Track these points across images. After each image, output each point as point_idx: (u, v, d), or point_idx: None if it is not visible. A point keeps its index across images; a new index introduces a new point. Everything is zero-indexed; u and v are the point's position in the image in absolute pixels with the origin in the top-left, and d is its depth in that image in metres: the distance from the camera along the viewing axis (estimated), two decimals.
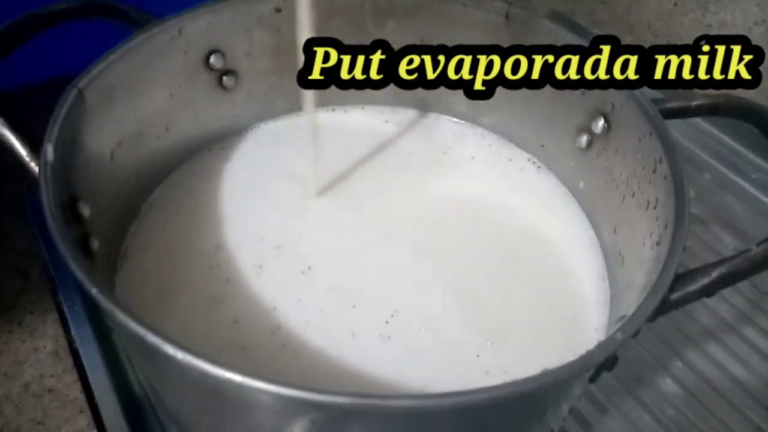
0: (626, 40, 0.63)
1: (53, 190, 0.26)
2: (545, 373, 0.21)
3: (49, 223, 0.24)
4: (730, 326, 0.43)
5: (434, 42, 0.41)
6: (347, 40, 0.42)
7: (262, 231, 0.36)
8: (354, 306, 0.33)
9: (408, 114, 0.45)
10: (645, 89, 0.33)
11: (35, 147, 0.28)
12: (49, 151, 0.27)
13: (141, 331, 0.21)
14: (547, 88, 0.39)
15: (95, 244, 0.30)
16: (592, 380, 0.27)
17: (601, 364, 0.26)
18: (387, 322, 0.32)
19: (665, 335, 0.41)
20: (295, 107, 0.44)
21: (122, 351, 0.38)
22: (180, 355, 0.21)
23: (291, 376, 0.29)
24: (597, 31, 0.64)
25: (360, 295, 0.34)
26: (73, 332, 0.40)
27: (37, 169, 0.28)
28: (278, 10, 0.39)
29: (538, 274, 0.36)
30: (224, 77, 0.40)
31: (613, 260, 0.35)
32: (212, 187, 0.39)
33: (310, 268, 0.35)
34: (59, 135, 0.28)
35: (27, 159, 0.28)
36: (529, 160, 0.42)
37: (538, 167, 0.42)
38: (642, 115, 0.32)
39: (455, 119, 0.45)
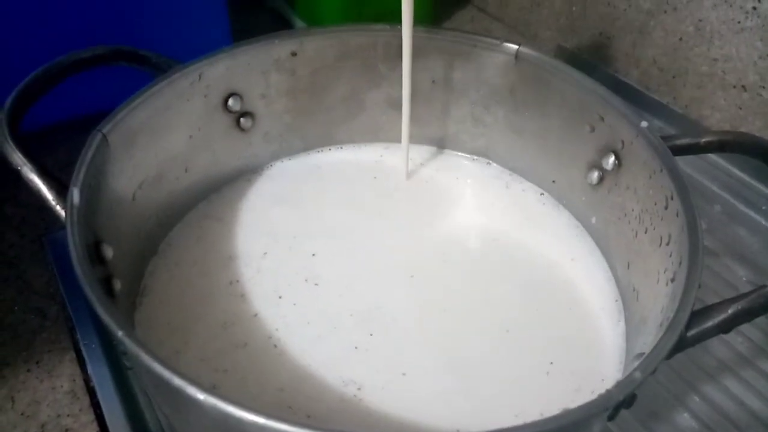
0: (632, 74, 0.64)
1: (79, 234, 0.26)
2: (565, 413, 0.21)
3: (75, 266, 0.25)
4: (747, 360, 0.42)
5: (444, 82, 0.42)
6: (359, 81, 0.43)
7: (277, 268, 0.37)
8: (367, 350, 0.33)
9: (422, 150, 0.46)
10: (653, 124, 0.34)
11: (61, 192, 0.29)
12: (75, 195, 0.28)
13: (166, 374, 0.21)
14: (557, 124, 0.40)
15: (117, 285, 0.31)
16: (610, 418, 0.27)
17: (620, 402, 0.26)
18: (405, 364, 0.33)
19: (682, 370, 0.41)
20: (310, 146, 0.45)
21: (141, 390, 0.38)
22: (201, 396, 0.21)
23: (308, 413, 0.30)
24: (603, 67, 0.65)
25: (375, 336, 0.34)
26: (90, 371, 0.40)
27: (63, 213, 0.28)
28: (294, 54, 0.40)
29: (553, 311, 0.36)
30: (242, 119, 0.41)
31: (627, 295, 0.35)
32: (228, 225, 0.39)
33: (326, 305, 0.35)
34: (84, 179, 0.29)
35: (53, 203, 0.29)
36: (541, 194, 0.43)
37: (551, 202, 0.42)
38: (652, 152, 0.33)
39: (468, 155, 0.45)
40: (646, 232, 0.34)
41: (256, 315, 0.34)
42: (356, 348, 0.33)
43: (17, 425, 0.37)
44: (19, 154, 0.29)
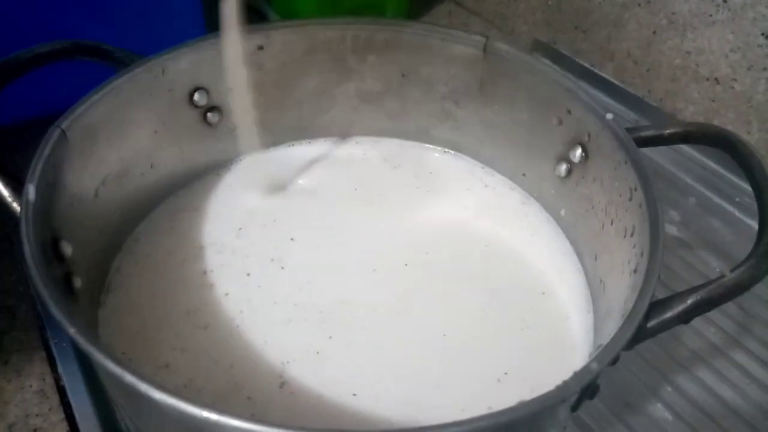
0: (607, 67, 0.64)
1: (34, 231, 0.26)
2: (521, 405, 0.21)
3: (28, 263, 0.25)
4: (719, 350, 0.43)
5: (414, 76, 0.42)
6: (329, 75, 0.42)
7: (245, 264, 0.37)
8: (331, 338, 0.33)
9: (393, 144, 0.45)
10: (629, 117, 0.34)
11: (17, 188, 0.28)
12: (31, 191, 0.27)
13: (118, 370, 0.21)
14: (526, 118, 0.39)
15: (78, 282, 0.30)
16: (574, 409, 0.27)
17: (581, 393, 0.26)
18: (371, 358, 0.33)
19: (653, 360, 0.41)
20: (278, 140, 0.45)
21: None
22: (157, 395, 0.21)
23: (274, 413, 0.29)
24: (579, 60, 0.65)
25: (344, 330, 0.34)
26: (60, 370, 0.40)
27: (18, 209, 0.28)
28: (261, 48, 0.40)
29: (523, 303, 0.36)
30: (208, 113, 0.40)
31: (595, 288, 0.36)
32: (196, 220, 0.39)
33: (295, 304, 0.35)
34: (41, 175, 0.28)
35: (9, 200, 0.28)
36: (512, 188, 0.43)
37: (522, 195, 0.42)
38: (617, 144, 0.33)
39: (439, 148, 0.45)
40: (612, 224, 0.34)
41: (220, 301, 0.34)
42: (313, 337, 0.33)
43: None
44: None
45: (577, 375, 0.22)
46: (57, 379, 0.39)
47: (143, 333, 0.33)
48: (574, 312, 0.35)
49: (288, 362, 0.32)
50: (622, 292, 0.30)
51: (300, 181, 0.43)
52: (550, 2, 0.68)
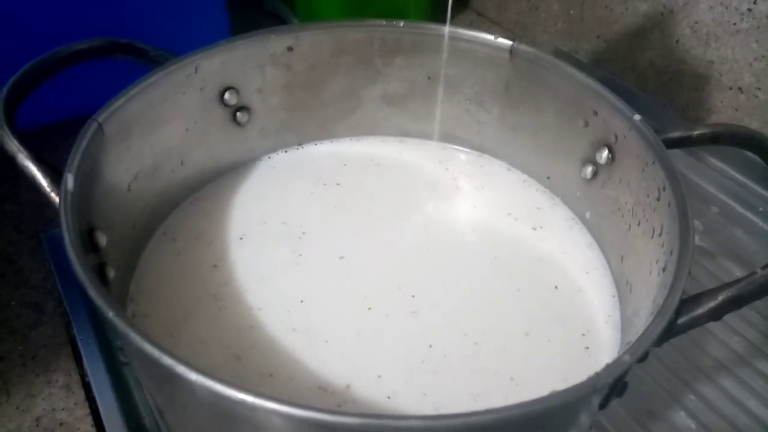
0: (629, 77, 0.65)
1: (73, 219, 0.27)
2: (553, 395, 0.21)
3: (68, 250, 0.25)
4: (743, 359, 0.42)
5: (440, 78, 0.43)
6: (356, 76, 0.43)
7: (262, 259, 0.37)
8: (358, 334, 0.34)
9: (418, 144, 0.46)
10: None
11: (56, 179, 0.29)
12: (70, 180, 0.28)
13: (155, 353, 0.22)
14: (551, 120, 0.40)
15: (111, 273, 0.31)
16: (602, 406, 0.27)
17: (611, 388, 0.26)
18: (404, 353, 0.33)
19: (676, 368, 0.41)
20: (304, 140, 0.45)
21: (136, 385, 0.39)
22: (193, 376, 0.21)
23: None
24: (601, 70, 0.65)
25: (371, 329, 0.34)
26: (85, 366, 0.40)
27: (57, 199, 0.28)
28: (290, 49, 0.40)
29: (549, 304, 0.36)
30: (238, 113, 0.41)
31: (622, 288, 0.35)
32: (222, 215, 0.40)
33: (306, 300, 0.35)
34: (79, 166, 0.29)
35: (48, 190, 0.29)
36: (537, 190, 0.43)
37: (547, 197, 0.42)
38: (645, 145, 0.33)
39: (464, 149, 0.46)
40: (639, 225, 0.34)
41: (243, 290, 0.35)
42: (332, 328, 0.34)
43: (12, 419, 0.37)
44: (15, 142, 0.30)
45: (609, 366, 0.23)
46: (82, 375, 0.40)
47: (170, 325, 0.34)
48: (601, 313, 0.35)
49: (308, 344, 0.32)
50: (650, 291, 0.30)
51: (324, 179, 0.43)
52: (571, 12, 0.68)
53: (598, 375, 0.22)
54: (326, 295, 0.35)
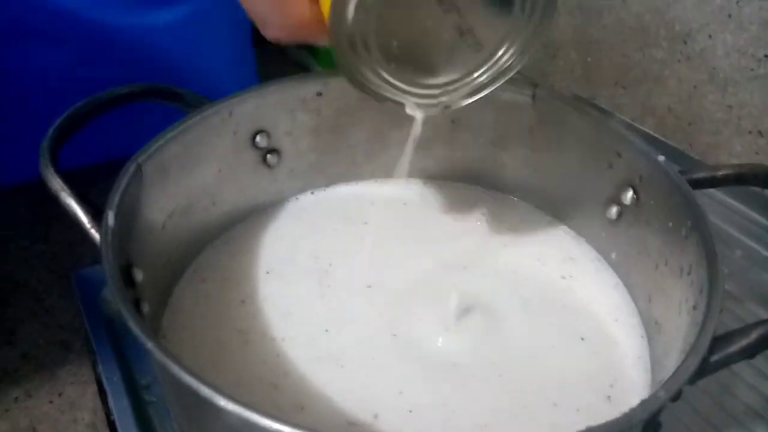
0: (648, 122, 0.65)
1: (114, 254, 0.27)
2: (590, 429, 0.21)
3: (109, 283, 0.26)
4: None
5: (464, 122, 0.44)
6: (382, 122, 0.44)
7: (291, 298, 0.38)
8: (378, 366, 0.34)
9: (443, 186, 0.47)
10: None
11: (96, 216, 0.30)
12: (111, 217, 0.29)
13: (193, 383, 0.22)
14: (575, 162, 0.40)
15: (146, 307, 0.31)
16: None
17: (645, 427, 0.25)
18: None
19: (708, 413, 0.40)
20: (332, 182, 0.46)
21: (159, 419, 0.39)
22: (231, 406, 0.21)
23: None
24: (620, 115, 0.66)
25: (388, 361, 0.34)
26: (111, 405, 0.40)
27: (97, 236, 0.29)
28: (319, 94, 0.42)
29: (576, 346, 0.36)
30: (268, 155, 0.42)
31: (650, 328, 0.35)
32: (250, 254, 0.41)
33: (331, 329, 0.36)
34: (119, 204, 0.30)
35: (88, 226, 0.30)
36: (561, 231, 0.43)
37: (571, 238, 0.43)
38: (670, 185, 0.34)
39: (487, 190, 0.46)
40: (666, 264, 0.34)
41: (271, 325, 0.36)
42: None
43: None
44: (59, 180, 0.31)
45: (644, 402, 0.22)
46: (108, 414, 0.40)
47: (200, 359, 0.34)
48: (630, 354, 0.35)
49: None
50: (681, 330, 0.30)
51: (351, 219, 0.44)
52: (589, 59, 0.70)
53: (633, 411, 0.22)
54: (351, 324, 0.36)
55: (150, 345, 0.23)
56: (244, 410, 0.21)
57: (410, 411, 0.31)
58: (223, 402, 0.21)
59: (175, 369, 0.22)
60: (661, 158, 0.35)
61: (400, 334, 0.36)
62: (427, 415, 0.31)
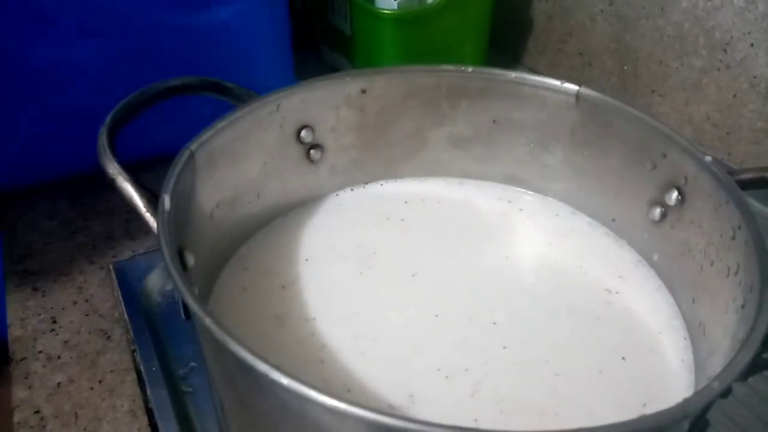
0: (686, 130, 0.65)
1: (171, 236, 0.28)
2: (643, 418, 0.21)
3: (167, 263, 0.26)
4: None
5: (505, 122, 0.44)
6: (423, 119, 0.45)
7: (326, 292, 0.38)
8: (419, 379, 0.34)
9: (482, 186, 0.47)
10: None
11: (152, 201, 0.31)
12: (167, 201, 0.30)
13: (250, 358, 0.22)
14: (617, 163, 0.40)
15: (195, 291, 0.32)
16: None
17: (692, 424, 0.25)
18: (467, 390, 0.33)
19: (759, 411, 0.40)
20: (371, 179, 0.47)
21: (196, 409, 0.39)
22: (285, 380, 0.21)
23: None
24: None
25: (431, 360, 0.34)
26: (149, 393, 0.41)
27: (152, 219, 0.30)
28: (363, 91, 0.42)
29: (620, 351, 0.35)
30: (312, 150, 0.43)
31: (694, 331, 0.35)
32: (291, 246, 0.41)
33: (376, 337, 0.36)
34: (174, 188, 0.31)
35: (143, 210, 0.31)
36: (602, 233, 0.43)
37: (612, 240, 0.42)
38: (717, 185, 0.33)
39: (526, 191, 0.46)
40: (712, 265, 0.34)
41: (306, 312, 0.36)
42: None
43: None
44: (116, 165, 0.32)
45: (699, 392, 0.22)
46: (146, 401, 0.41)
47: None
48: (673, 356, 0.35)
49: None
50: (728, 330, 0.30)
51: (389, 215, 0.44)
52: (625, 67, 0.70)
53: (688, 401, 0.22)
54: (391, 309, 0.36)
55: (208, 321, 0.23)
56: (300, 386, 0.21)
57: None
58: (280, 378, 0.22)
59: (233, 345, 0.23)
60: (708, 158, 0.34)
61: (443, 316, 0.36)
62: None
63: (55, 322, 0.47)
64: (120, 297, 0.48)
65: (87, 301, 0.49)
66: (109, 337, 0.46)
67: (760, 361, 0.25)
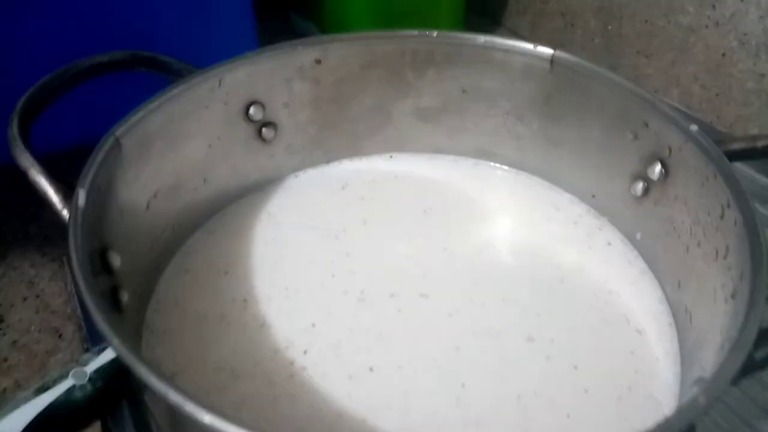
0: (672, 93, 0.62)
1: (83, 237, 0.25)
2: None
3: (74, 270, 0.23)
4: None
5: (476, 92, 0.40)
6: (386, 90, 0.41)
7: (290, 284, 0.35)
8: (374, 368, 0.31)
9: (454, 161, 0.44)
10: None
11: (69, 195, 0.28)
12: (81, 196, 0.26)
13: (162, 388, 0.19)
14: (597, 133, 0.37)
15: (125, 297, 0.29)
16: None
17: None
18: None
19: (739, 408, 0.37)
20: (332, 158, 0.43)
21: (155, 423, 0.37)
22: (207, 417, 0.18)
23: None
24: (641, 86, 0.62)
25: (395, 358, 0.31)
26: None
27: (68, 215, 0.27)
28: (318, 62, 0.39)
29: (596, 334, 0.33)
30: (264, 129, 0.39)
31: (679, 317, 0.32)
32: (245, 237, 0.38)
33: (349, 329, 0.33)
34: (92, 181, 0.27)
35: (59, 207, 0.27)
36: (580, 209, 0.40)
37: (593, 215, 0.39)
38: (704, 158, 0.30)
39: (501, 165, 0.43)
40: (698, 246, 0.31)
41: (262, 326, 0.33)
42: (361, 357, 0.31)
43: None
44: (29, 156, 0.28)
45: (681, 410, 0.19)
46: None
47: (188, 352, 0.31)
48: (657, 344, 0.32)
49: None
50: (717, 320, 0.27)
51: (353, 195, 0.41)
52: (609, 27, 0.66)
53: (668, 421, 0.19)
54: (351, 325, 0.33)
55: (116, 343, 0.20)
56: (218, 420, 0.18)
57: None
58: (195, 412, 0.18)
59: (143, 372, 0.19)
60: (694, 128, 0.31)
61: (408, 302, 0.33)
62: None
63: (2, 320, 0.44)
64: (73, 291, 0.45)
65: (38, 296, 0.46)
66: (61, 336, 0.43)
67: (754, 362, 0.22)
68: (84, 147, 0.42)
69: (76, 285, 0.43)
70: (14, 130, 0.28)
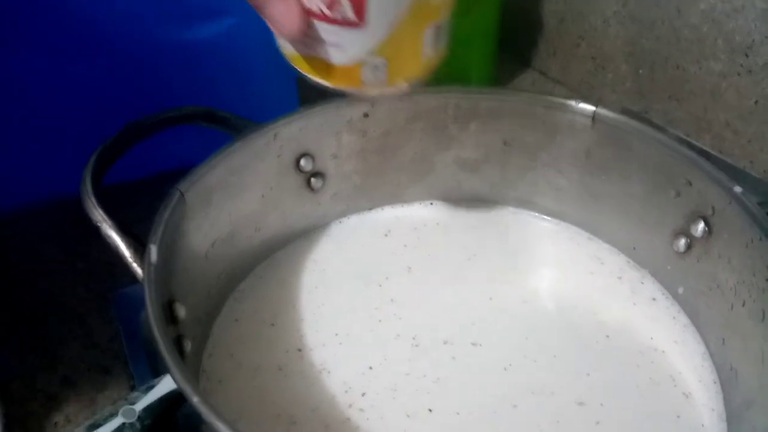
0: (704, 138, 0.62)
1: (156, 292, 0.26)
2: None
3: (153, 326, 0.24)
4: None
5: (517, 144, 0.42)
6: (429, 143, 0.42)
7: (339, 330, 0.36)
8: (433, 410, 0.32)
9: (490, 209, 0.45)
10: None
11: (138, 249, 0.29)
12: (153, 252, 0.28)
13: None
14: (638, 189, 0.38)
15: (188, 346, 0.30)
16: None
17: None
18: None
19: None
20: (375, 205, 0.44)
21: None
22: None
23: None
24: (673, 130, 0.63)
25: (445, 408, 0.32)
26: None
27: (140, 271, 0.28)
28: (366, 115, 0.40)
29: (643, 397, 0.33)
30: (312, 179, 0.41)
31: (724, 375, 0.33)
32: (292, 280, 0.39)
33: (405, 373, 0.34)
34: (162, 237, 0.29)
35: (130, 260, 0.29)
36: (622, 261, 0.41)
37: (633, 269, 0.40)
38: (748, 219, 0.31)
39: (540, 215, 0.44)
40: (743, 305, 0.31)
41: (320, 372, 0.34)
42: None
43: None
44: (100, 211, 0.30)
45: None
46: None
47: (245, 400, 0.32)
48: (703, 406, 0.32)
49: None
50: (765, 382, 0.27)
51: (395, 246, 0.42)
52: (641, 71, 0.67)
53: None
54: (405, 371, 0.34)
55: (195, 401, 0.21)
56: None
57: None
58: None
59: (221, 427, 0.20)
60: (738, 189, 0.32)
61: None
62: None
63: (54, 357, 0.45)
64: (120, 329, 0.46)
65: (86, 334, 0.47)
66: (108, 372, 0.44)
67: None
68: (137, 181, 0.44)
69: (123, 324, 0.45)
70: (87, 186, 0.30)
